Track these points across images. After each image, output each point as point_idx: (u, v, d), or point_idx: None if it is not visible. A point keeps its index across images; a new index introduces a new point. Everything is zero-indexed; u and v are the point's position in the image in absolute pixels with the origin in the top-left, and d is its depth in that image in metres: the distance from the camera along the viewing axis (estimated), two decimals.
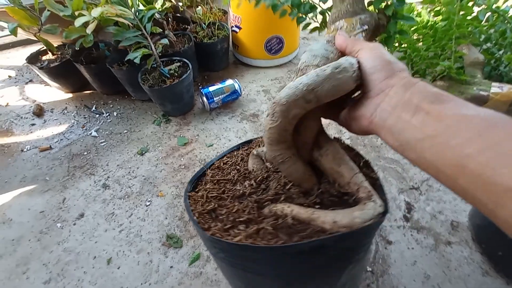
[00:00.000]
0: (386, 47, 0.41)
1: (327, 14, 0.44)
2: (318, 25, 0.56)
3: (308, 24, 0.57)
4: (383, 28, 0.39)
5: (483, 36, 1.06)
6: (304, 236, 0.31)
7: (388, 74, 0.27)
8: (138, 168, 0.87)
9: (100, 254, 0.68)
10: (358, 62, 0.29)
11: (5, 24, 1.06)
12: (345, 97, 0.32)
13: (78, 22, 0.82)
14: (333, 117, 0.35)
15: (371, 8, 0.40)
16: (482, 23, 1.04)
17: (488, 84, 0.91)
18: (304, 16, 0.57)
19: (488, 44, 1.09)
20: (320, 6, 0.54)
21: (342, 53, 0.34)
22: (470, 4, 1.00)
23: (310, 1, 0.51)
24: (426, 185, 0.78)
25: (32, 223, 0.75)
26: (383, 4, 0.39)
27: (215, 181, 0.43)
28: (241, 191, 0.39)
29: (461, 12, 0.96)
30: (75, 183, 0.83)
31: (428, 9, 1.30)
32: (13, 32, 0.90)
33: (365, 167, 0.38)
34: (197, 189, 0.43)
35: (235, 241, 0.32)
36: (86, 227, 0.74)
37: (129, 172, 0.86)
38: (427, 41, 1.01)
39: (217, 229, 0.35)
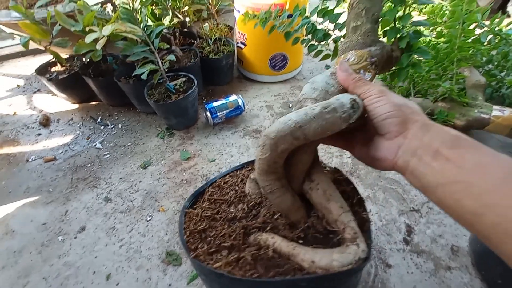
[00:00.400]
0: (398, 79, 0.40)
1: (339, 43, 0.45)
2: (331, 53, 0.57)
3: (320, 51, 0.58)
4: (396, 60, 0.39)
5: (484, 58, 1.08)
6: (281, 272, 0.31)
7: (402, 117, 0.28)
8: (140, 181, 0.88)
9: (99, 269, 0.69)
10: (364, 106, 0.30)
11: (7, 29, 1.09)
12: (354, 130, 0.32)
13: (89, 38, 0.84)
14: (345, 147, 0.35)
15: (385, 39, 0.41)
16: (484, 45, 1.05)
17: (490, 107, 0.92)
18: (316, 43, 0.58)
19: (490, 66, 1.11)
20: (334, 34, 0.54)
21: (344, 89, 0.35)
22: (473, 26, 1.02)
23: (325, 28, 0.52)
24: (426, 207, 0.78)
25: (34, 235, 0.76)
26: (398, 36, 0.39)
27: (213, 200, 0.44)
28: (233, 214, 0.40)
29: (463, 35, 0.98)
30: (78, 196, 0.84)
31: (431, 29, 1.33)
32: (25, 45, 0.93)
33: (358, 205, 0.37)
34: (195, 206, 0.44)
35: (214, 267, 0.33)
36: (87, 241, 0.74)
37: (131, 186, 0.87)
38: (429, 62, 1.03)
39: (202, 251, 0.35)
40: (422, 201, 0.79)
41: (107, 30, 0.82)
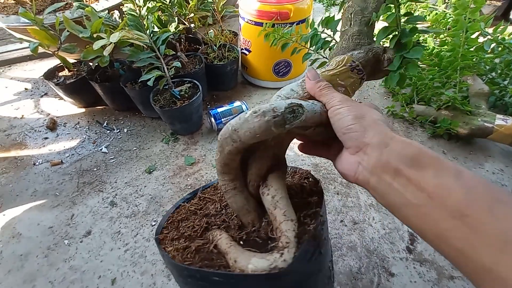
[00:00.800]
0: (390, 82, 0.37)
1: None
2: (327, 60, 0.57)
3: (316, 60, 0.59)
4: (389, 61, 0.37)
5: (488, 67, 1.08)
6: (208, 264, 0.32)
7: (361, 132, 0.27)
8: (145, 186, 0.89)
9: (105, 273, 0.69)
10: (327, 115, 0.31)
11: (16, 34, 1.11)
12: (332, 140, 0.33)
13: (97, 45, 0.86)
14: (326, 157, 0.35)
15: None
16: (487, 53, 1.06)
17: (493, 116, 0.92)
18: (311, 52, 0.59)
19: (493, 74, 1.11)
20: (334, 40, 0.54)
21: (312, 96, 0.35)
22: (476, 35, 1.03)
23: (328, 35, 0.51)
24: None
25: (41, 239, 0.77)
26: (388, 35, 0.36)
27: (203, 197, 0.47)
28: (209, 211, 0.43)
29: (466, 44, 0.99)
30: (84, 200, 0.85)
31: (434, 36, 1.33)
32: (34, 51, 0.95)
33: (310, 217, 0.35)
34: (190, 202, 0.47)
35: (166, 250, 0.36)
36: (93, 245, 0.75)
37: (136, 191, 0.88)
38: (433, 71, 1.03)
39: (168, 236, 0.39)
40: None
41: (115, 37, 0.83)
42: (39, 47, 1.03)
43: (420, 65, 1.14)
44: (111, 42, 0.87)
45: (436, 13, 1.30)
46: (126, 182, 0.90)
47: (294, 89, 0.35)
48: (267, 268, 0.28)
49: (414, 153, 0.24)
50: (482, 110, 0.96)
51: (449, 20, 1.21)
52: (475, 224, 0.19)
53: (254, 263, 0.29)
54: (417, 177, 0.23)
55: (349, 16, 0.37)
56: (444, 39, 1.13)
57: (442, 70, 1.08)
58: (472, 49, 1.02)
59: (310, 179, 0.44)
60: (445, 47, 1.09)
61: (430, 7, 1.35)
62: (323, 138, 0.34)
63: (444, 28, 1.19)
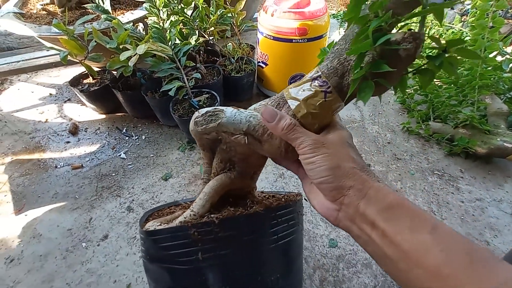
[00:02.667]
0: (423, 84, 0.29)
1: None
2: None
3: None
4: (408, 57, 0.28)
5: (506, 86, 1.07)
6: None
7: (336, 183, 0.26)
8: (161, 193, 0.90)
9: (120, 278, 0.71)
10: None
11: (47, 43, 1.17)
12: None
13: (123, 56, 0.90)
14: (295, 173, 0.36)
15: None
16: (506, 72, 1.05)
17: None
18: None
19: None
20: None
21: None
22: (494, 54, 1.02)
23: None
24: None
25: (60, 240, 0.79)
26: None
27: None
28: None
29: (484, 63, 0.99)
30: (102, 204, 0.88)
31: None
32: (64, 59, 1.00)
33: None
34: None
35: (145, 225, 0.42)
36: (109, 249, 0.77)
37: (152, 197, 0.89)
38: (450, 89, 1.03)
39: (149, 219, 0.46)
40: None
41: (141, 49, 0.87)
42: (67, 55, 1.09)
43: (436, 83, 1.14)
44: (137, 53, 0.92)
45: (453, 32, 1.31)
46: (143, 188, 0.92)
47: (267, 100, 0.36)
48: (179, 221, 0.37)
49: (389, 206, 0.24)
50: (501, 129, 0.95)
51: (466, 39, 1.21)
52: (456, 285, 0.19)
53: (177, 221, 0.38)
54: (392, 232, 0.23)
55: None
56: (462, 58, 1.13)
57: (459, 88, 1.08)
58: (490, 68, 1.02)
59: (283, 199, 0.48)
60: (463, 65, 1.09)
61: (446, 26, 1.36)
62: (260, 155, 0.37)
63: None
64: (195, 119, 0.35)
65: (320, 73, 0.30)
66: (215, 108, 0.34)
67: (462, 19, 1.60)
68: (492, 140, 0.91)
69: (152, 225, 0.40)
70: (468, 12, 1.69)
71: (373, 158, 0.99)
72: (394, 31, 0.26)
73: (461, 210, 0.83)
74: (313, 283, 0.68)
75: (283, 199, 0.48)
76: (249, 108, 0.36)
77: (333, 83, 0.29)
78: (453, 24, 1.36)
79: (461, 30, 1.31)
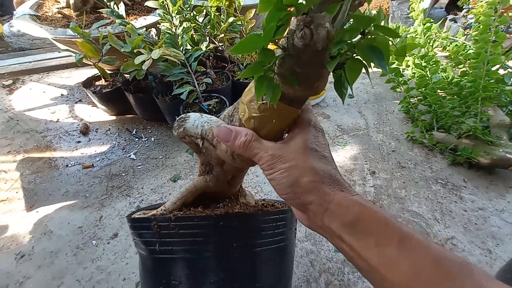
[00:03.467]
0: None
1: None
2: None
3: None
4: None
5: (508, 99, 1.10)
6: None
7: (297, 200, 0.26)
8: (170, 194, 0.92)
9: (129, 276, 0.72)
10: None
11: (61, 46, 1.21)
12: None
13: (138, 60, 0.93)
14: None
15: None
16: (509, 85, 1.08)
17: None
18: None
19: None
20: None
21: None
22: (497, 67, 1.05)
23: None
24: (450, 244, 0.78)
25: (70, 237, 0.81)
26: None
27: None
28: None
29: (487, 76, 1.01)
30: (112, 203, 0.90)
31: (453, 65, 1.36)
32: (79, 61, 1.03)
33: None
34: None
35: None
36: (119, 247, 0.78)
37: (161, 198, 0.91)
38: (453, 100, 1.06)
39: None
40: (446, 237, 0.80)
41: (156, 54, 0.90)
42: (83, 58, 1.12)
43: (440, 93, 1.17)
44: (151, 58, 0.95)
45: (456, 45, 1.34)
46: (152, 189, 0.94)
47: (231, 106, 0.36)
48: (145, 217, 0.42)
49: (353, 219, 0.23)
50: (503, 141, 0.97)
51: (469, 52, 1.24)
52: None
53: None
54: (359, 246, 0.22)
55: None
56: (465, 70, 1.16)
57: (463, 99, 1.11)
58: (493, 81, 1.04)
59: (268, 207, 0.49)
60: (466, 77, 1.11)
61: (450, 39, 1.39)
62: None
63: (464, 60, 1.22)
64: (174, 125, 0.37)
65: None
66: (186, 115, 0.37)
67: (466, 33, 1.64)
68: (494, 151, 0.94)
69: (137, 215, 0.44)
70: (471, 26, 1.73)
71: (377, 166, 1.01)
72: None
73: (464, 219, 0.84)
74: (318, 286, 0.69)
75: (280, 207, 0.49)
76: (223, 113, 0.36)
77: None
78: (456, 37, 1.40)
79: (464, 43, 1.34)
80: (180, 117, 0.37)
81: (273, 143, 0.28)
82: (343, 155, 1.05)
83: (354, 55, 0.21)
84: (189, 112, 1.04)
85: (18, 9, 1.40)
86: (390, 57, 0.24)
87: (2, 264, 0.74)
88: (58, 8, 1.32)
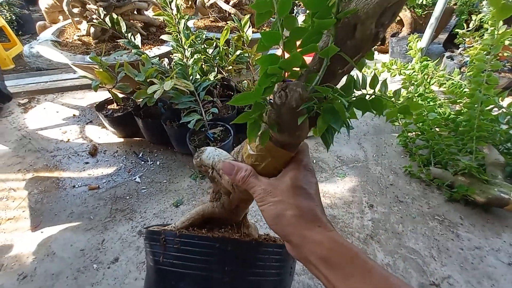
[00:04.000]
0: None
1: None
2: None
3: None
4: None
5: (503, 138, 1.14)
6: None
7: (281, 232, 0.29)
8: (172, 219, 0.94)
9: None
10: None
11: (79, 71, 1.28)
12: None
13: (151, 90, 0.99)
14: None
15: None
16: (503, 124, 1.12)
17: (509, 188, 0.96)
18: None
19: (509, 145, 1.16)
20: None
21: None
22: (490, 107, 1.10)
23: None
24: (447, 283, 0.79)
25: (72, 260, 0.82)
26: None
27: None
28: None
29: (481, 116, 1.06)
30: (115, 226, 0.92)
31: (449, 102, 1.42)
32: (95, 88, 1.10)
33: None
34: None
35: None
36: (119, 272, 0.80)
37: (163, 222, 0.93)
38: (450, 138, 1.10)
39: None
40: (442, 276, 0.80)
41: (168, 85, 0.96)
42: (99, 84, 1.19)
43: (437, 130, 1.21)
44: (162, 88, 1.01)
45: (452, 83, 1.41)
46: (154, 213, 0.96)
47: (241, 145, 0.40)
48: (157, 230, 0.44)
49: (324, 254, 0.26)
50: (498, 180, 0.99)
51: (464, 91, 1.30)
52: None
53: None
54: (332, 278, 0.26)
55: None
56: (460, 108, 1.21)
57: (458, 136, 1.15)
58: (487, 121, 1.09)
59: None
60: (461, 116, 1.16)
61: (446, 77, 1.46)
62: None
63: (460, 100, 1.27)
64: (194, 154, 0.43)
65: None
66: (204, 148, 0.42)
67: (461, 71, 1.71)
68: (490, 190, 0.96)
69: (153, 228, 0.48)
70: (467, 64, 1.81)
71: (376, 199, 1.03)
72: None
73: (461, 258, 0.85)
74: None
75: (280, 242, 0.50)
76: (234, 150, 0.42)
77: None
78: (452, 75, 1.47)
79: (459, 82, 1.41)
80: (199, 149, 0.43)
81: (266, 179, 0.32)
82: (342, 187, 1.08)
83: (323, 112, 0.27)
84: (195, 139, 1.09)
85: (41, 34, 1.50)
86: (398, 114, 0.30)
87: (5, 285, 0.76)
88: (78, 36, 1.42)
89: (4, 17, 2.23)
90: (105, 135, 1.31)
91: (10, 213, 0.96)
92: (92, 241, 0.87)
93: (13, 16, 2.54)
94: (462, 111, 1.18)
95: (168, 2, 1.06)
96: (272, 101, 0.28)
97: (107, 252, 0.85)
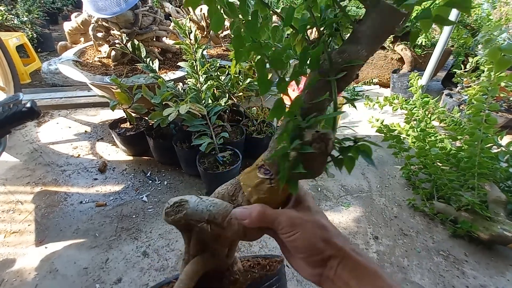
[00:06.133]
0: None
1: None
2: None
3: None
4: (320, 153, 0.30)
5: (503, 176, 1.17)
6: None
7: (320, 254, 0.29)
8: (177, 241, 0.94)
9: None
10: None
11: (97, 91, 1.34)
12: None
13: (166, 112, 1.04)
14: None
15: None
16: (503, 161, 1.16)
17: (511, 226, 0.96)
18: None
19: (509, 183, 1.19)
20: None
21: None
22: (490, 145, 1.14)
23: None
24: None
25: (75, 279, 0.81)
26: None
27: None
28: None
29: (482, 154, 1.10)
30: (120, 245, 0.91)
31: (450, 138, 1.47)
32: (112, 108, 1.15)
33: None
34: None
35: None
36: None
37: (168, 244, 0.93)
38: (452, 173, 1.13)
39: None
40: None
41: (184, 109, 1.01)
42: (108, 100, 1.24)
43: (439, 164, 1.24)
44: (177, 111, 1.06)
45: (453, 120, 1.47)
46: (159, 234, 0.96)
47: (227, 185, 0.38)
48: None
49: (362, 270, 0.28)
50: (501, 217, 1.01)
51: (464, 128, 1.36)
52: None
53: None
54: None
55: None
56: (461, 145, 1.26)
57: (460, 172, 1.18)
58: (487, 159, 1.13)
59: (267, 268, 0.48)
60: (462, 152, 1.20)
61: (446, 113, 1.53)
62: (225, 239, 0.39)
63: (460, 136, 1.32)
64: (165, 210, 0.36)
65: (262, 162, 0.34)
66: (181, 199, 0.37)
67: (460, 108, 1.79)
68: (493, 227, 0.97)
69: None
70: (465, 102, 1.90)
71: (380, 231, 1.04)
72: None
73: None
74: None
75: (267, 267, 0.49)
76: (214, 192, 0.39)
77: (274, 171, 0.32)
78: (452, 112, 1.53)
79: (459, 119, 1.47)
80: (174, 202, 0.36)
81: (284, 209, 0.33)
82: (346, 216, 1.09)
83: (349, 154, 0.30)
84: (204, 161, 1.12)
85: (63, 54, 1.59)
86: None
87: None
88: (99, 58, 1.50)
89: (26, 35, 2.35)
90: (114, 152, 1.34)
91: (15, 226, 0.96)
92: (96, 259, 0.87)
93: (34, 34, 2.68)
94: (463, 148, 1.22)
95: (187, 33, 1.14)
96: (299, 147, 0.29)
97: (110, 272, 0.84)
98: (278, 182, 0.32)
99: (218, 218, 0.35)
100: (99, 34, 1.47)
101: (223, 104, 1.31)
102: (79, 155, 1.31)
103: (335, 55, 0.28)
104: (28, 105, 0.68)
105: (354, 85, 2.39)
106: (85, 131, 1.49)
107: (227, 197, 0.37)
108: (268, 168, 0.33)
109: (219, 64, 1.39)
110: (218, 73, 1.35)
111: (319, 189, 1.22)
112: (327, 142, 0.27)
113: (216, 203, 0.36)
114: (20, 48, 2.19)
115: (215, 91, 1.37)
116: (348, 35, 0.28)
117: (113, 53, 1.46)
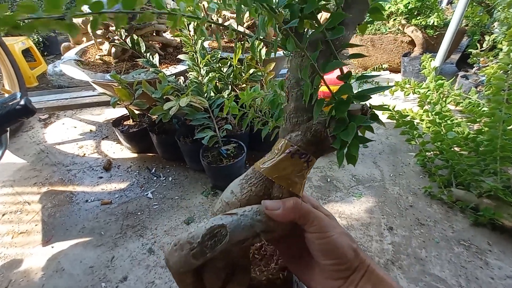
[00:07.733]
0: (339, 161, 0.30)
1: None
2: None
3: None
4: (333, 138, 0.30)
5: None
6: None
7: (349, 262, 0.28)
8: None
9: None
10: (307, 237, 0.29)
11: (99, 88, 1.33)
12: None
13: (167, 106, 1.01)
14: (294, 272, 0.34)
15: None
16: None
17: None
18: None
19: None
20: None
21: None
22: None
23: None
24: None
25: (81, 277, 0.80)
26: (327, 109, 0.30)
27: None
28: None
29: (504, 136, 1.02)
30: (125, 243, 0.90)
31: (468, 121, 1.38)
32: (113, 104, 1.13)
33: None
34: None
35: None
36: None
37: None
38: (471, 158, 1.05)
39: None
40: None
41: (183, 102, 0.98)
42: (117, 101, 1.23)
43: (456, 149, 1.17)
44: (178, 105, 1.03)
45: (470, 102, 1.38)
46: (165, 231, 0.94)
47: (234, 190, 0.33)
48: None
49: (376, 282, 0.27)
50: None
51: (483, 110, 1.27)
52: None
53: None
54: None
55: (286, 90, 0.33)
56: (480, 127, 1.17)
57: (480, 156, 1.10)
58: (510, 141, 1.04)
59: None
60: (482, 135, 1.12)
61: (462, 96, 1.43)
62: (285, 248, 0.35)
63: (478, 118, 1.23)
64: (191, 252, 0.28)
65: (296, 147, 0.31)
66: (211, 227, 0.29)
67: (478, 90, 1.68)
68: None
69: None
70: (483, 83, 1.79)
71: (395, 221, 0.98)
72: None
73: None
74: None
75: None
76: (225, 204, 0.34)
77: (311, 152, 0.31)
78: (469, 94, 1.44)
79: (477, 100, 1.38)
80: (201, 239, 0.28)
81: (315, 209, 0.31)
82: (358, 207, 1.04)
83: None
84: (208, 155, 1.09)
85: (65, 54, 1.58)
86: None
87: None
88: (100, 56, 1.49)
89: (32, 39, 2.38)
90: (119, 150, 1.33)
91: (23, 227, 0.96)
92: (102, 257, 0.86)
93: (40, 38, 2.71)
94: (483, 130, 1.14)
95: (186, 25, 1.10)
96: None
97: (116, 270, 0.82)
98: (314, 161, 0.32)
99: (270, 224, 0.30)
100: (98, 31, 1.45)
101: (225, 96, 1.27)
102: (84, 154, 1.31)
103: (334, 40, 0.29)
104: (22, 102, 0.66)
105: (363, 72, 2.30)
106: (90, 130, 1.48)
107: (256, 199, 0.31)
108: (305, 151, 0.31)
109: (220, 56, 1.35)
110: (220, 65, 1.31)
111: (328, 180, 1.17)
112: (367, 112, 0.30)
113: (255, 210, 0.31)
114: (27, 52, 2.22)
115: (217, 83, 1.33)
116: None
117: (113, 50, 1.44)
